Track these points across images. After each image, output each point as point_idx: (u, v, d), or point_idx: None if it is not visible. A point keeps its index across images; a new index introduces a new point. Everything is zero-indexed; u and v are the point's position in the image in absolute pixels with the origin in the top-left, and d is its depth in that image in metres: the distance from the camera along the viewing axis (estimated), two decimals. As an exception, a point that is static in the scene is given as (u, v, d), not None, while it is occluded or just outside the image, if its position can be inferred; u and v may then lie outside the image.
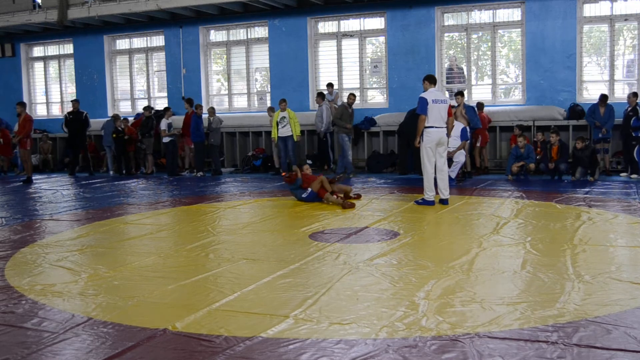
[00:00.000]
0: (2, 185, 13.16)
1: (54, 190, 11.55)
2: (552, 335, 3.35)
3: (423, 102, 8.17)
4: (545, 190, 9.81)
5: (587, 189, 9.70)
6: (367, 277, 4.68)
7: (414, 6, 13.99)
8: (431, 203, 8.30)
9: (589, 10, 13.06)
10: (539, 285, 4.36)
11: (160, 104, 16.65)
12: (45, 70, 18.56)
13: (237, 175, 13.96)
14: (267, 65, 15.63)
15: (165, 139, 14.23)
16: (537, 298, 4.04)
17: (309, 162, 13.52)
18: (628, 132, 11.47)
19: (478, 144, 12.47)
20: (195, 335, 3.49)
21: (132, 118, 15.84)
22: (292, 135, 13.29)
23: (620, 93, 12.96)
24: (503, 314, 3.73)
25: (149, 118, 14.85)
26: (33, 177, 13.65)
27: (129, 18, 16.15)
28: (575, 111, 12.59)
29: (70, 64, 18.03)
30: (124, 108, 17.38)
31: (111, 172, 15.34)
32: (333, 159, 14.01)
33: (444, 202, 8.34)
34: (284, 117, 13.30)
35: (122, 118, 14.97)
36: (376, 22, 14.75)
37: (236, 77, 16.47)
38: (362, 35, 14.84)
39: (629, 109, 11.47)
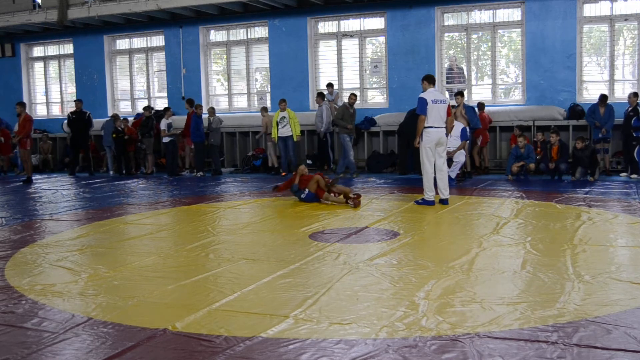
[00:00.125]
0: (2, 185, 13.16)
1: (54, 190, 11.55)
2: (552, 335, 3.34)
3: (422, 103, 8.17)
4: (545, 190, 9.81)
5: (587, 189, 9.70)
6: (367, 277, 4.68)
7: (414, 6, 13.99)
8: (431, 203, 8.30)
9: (589, 10, 13.06)
10: (539, 285, 4.36)
11: (160, 104, 16.66)
12: (45, 70, 18.56)
13: (237, 175, 13.97)
14: (267, 65, 15.63)
15: (165, 139, 14.23)
16: (537, 298, 4.04)
17: (309, 162, 13.54)
18: (629, 132, 11.47)
19: (478, 144, 12.48)
20: (195, 335, 3.49)
21: (132, 118, 15.84)
22: (292, 135, 13.30)
23: (620, 93, 12.96)
24: (503, 314, 3.73)
25: (149, 118, 14.85)
26: (33, 177, 13.65)
27: (129, 18, 16.15)
28: (575, 111, 12.59)
29: (70, 64, 18.03)
30: (124, 108, 17.38)
31: (111, 172, 15.34)
32: (333, 159, 14.01)
33: (444, 202, 8.34)
34: (284, 117, 13.30)
35: (121, 118, 14.98)
36: (376, 22, 14.75)
37: (236, 77, 16.47)
38: (362, 35, 14.84)
39: (630, 109, 11.46)
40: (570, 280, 4.43)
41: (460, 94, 11.96)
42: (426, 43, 13.99)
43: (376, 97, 15.18)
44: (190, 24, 16.02)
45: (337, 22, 15.02)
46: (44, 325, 3.75)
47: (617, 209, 7.76)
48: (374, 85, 15.20)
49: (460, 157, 10.92)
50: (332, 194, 8.66)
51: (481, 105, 12.79)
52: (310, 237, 6.31)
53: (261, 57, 15.88)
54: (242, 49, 16.03)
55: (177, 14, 15.66)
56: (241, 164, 15.25)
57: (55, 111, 18.61)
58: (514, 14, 13.63)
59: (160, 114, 14.92)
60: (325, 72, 15.26)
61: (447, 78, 14.31)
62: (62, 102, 18.47)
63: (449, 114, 8.42)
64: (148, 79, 17.26)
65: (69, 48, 17.90)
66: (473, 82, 14.17)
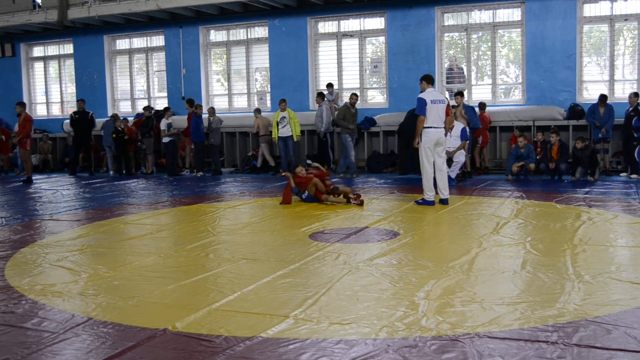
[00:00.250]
0: (2, 185, 13.16)
1: (54, 190, 11.55)
2: (552, 335, 3.34)
3: (422, 103, 8.17)
4: (545, 190, 9.81)
5: (587, 189, 9.70)
6: (367, 277, 4.68)
7: (414, 6, 13.98)
8: (431, 203, 8.30)
9: (589, 10, 13.06)
10: (539, 285, 4.36)
11: (160, 104, 16.65)
12: (45, 70, 18.56)
13: (237, 175, 13.97)
14: (267, 65, 15.63)
15: (165, 139, 14.23)
16: (537, 298, 4.04)
17: (309, 162, 13.54)
18: (629, 133, 11.46)
19: (479, 144, 12.49)
20: (195, 335, 3.49)
21: (132, 118, 15.84)
22: (292, 136, 13.30)
23: (620, 93, 12.96)
24: (503, 314, 3.73)
25: (149, 118, 14.85)
26: (33, 177, 13.66)
27: (129, 18, 16.15)
28: (575, 111, 12.59)
29: (70, 64, 18.03)
30: (124, 108, 17.38)
31: (111, 172, 15.34)
32: (333, 159, 14.01)
33: (443, 202, 8.34)
34: (284, 117, 13.30)
35: (121, 118, 14.98)
36: (376, 22, 14.75)
37: (236, 77, 16.47)
38: (362, 35, 14.84)
39: (631, 109, 11.45)
40: (570, 280, 4.43)
41: (460, 94, 11.96)
42: (426, 43, 13.99)
43: (376, 97, 15.18)
44: (190, 24, 16.02)
45: (337, 22, 15.02)
46: (44, 325, 3.75)
47: (617, 209, 7.76)
48: (374, 85, 15.20)
49: (460, 157, 10.92)
50: (332, 195, 8.65)
51: (482, 105, 12.80)
52: (310, 237, 6.31)
53: (261, 57, 15.88)
54: (242, 49, 16.03)
55: (177, 14, 15.66)
56: (241, 164, 15.26)
57: (55, 111, 18.61)
58: (514, 14, 13.62)
59: (160, 114, 14.92)
60: (325, 72, 15.26)
61: (447, 78, 14.31)
62: (62, 102, 18.47)
63: (447, 113, 8.43)
64: (148, 79, 17.26)
65: (69, 48, 17.90)
66: (473, 82, 14.17)
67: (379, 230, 6.65)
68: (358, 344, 3.31)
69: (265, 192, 10.57)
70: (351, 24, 14.98)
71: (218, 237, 6.48)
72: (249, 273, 4.90)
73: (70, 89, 18.25)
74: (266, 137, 14.07)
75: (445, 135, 8.54)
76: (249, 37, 15.95)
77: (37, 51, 18.67)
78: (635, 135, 11.33)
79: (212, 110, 14.47)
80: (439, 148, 8.34)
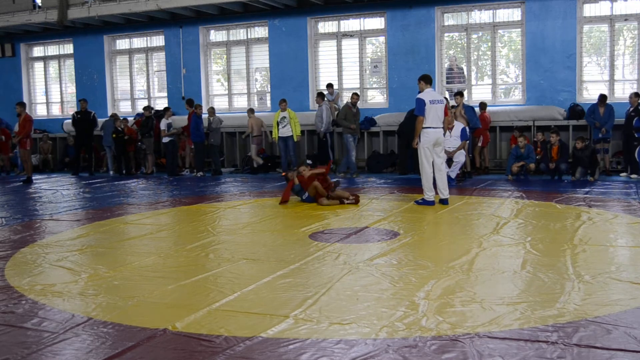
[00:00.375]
0: (2, 185, 13.16)
1: (54, 190, 11.55)
2: (552, 335, 3.34)
3: (421, 103, 8.17)
4: (545, 190, 9.81)
5: (587, 189, 9.70)
6: (367, 277, 4.68)
7: (414, 6, 13.99)
8: (431, 203, 8.30)
9: (589, 10, 13.06)
10: (539, 285, 4.36)
11: (160, 104, 16.66)
12: (45, 70, 18.56)
13: (237, 175, 13.96)
14: (267, 65, 15.63)
15: (165, 139, 14.23)
16: (537, 298, 4.04)
17: (309, 162, 13.53)
18: (630, 133, 11.45)
19: (479, 144, 12.49)
20: (195, 335, 3.49)
21: (132, 118, 15.84)
22: (292, 136, 13.30)
23: (620, 93, 12.96)
24: (503, 314, 3.73)
25: (149, 118, 14.86)
26: (33, 177, 13.66)
27: (129, 18, 16.15)
28: (575, 111, 12.59)
29: (70, 64, 18.03)
30: (124, 108, 17.38)
31: (111, 172, 15.34)
32: (333, 159, 14.00)
33: (443, 202, 8.34)
34: (284, 117, 13.31)
35: (121, 118, 14.98)
36: (376, 22, 14.75)
37: (236, 77, 16.47)
38: (362, 35, 14.84)
39: (631, 109, 11.45)
40: (570, 280, 4.43)
41: (459, 94, 11.96)
42: (426, 43, 13.99)
43: (376, 97, 15.18)
44: (190, 24, 16.02)
45: (337, 22, 15.02)
46: (44, 325, 3.75)
47: (617, 209, 7.76)
48: (374, 85, 15.20)
49: (460, 157, 10.92)
50: (326, 199, 8.62)
51: (483, 105, 12.80)
52: (310, 237, 6.31)
53: (261, 57, 15.88)
54: (242, 49, 16.03)
55: (177, 14, 15.66)
56: (241, 164, 15.26)
57: (55, 111, 18.62)
58: (514, 14, 13.62)
59: (160, 114, 14.92)
60: (325, 72, 15.26)
61: (447, 78, 14.31)
62: (62, 102, 18.48)
63: (446, 113, 8.43)
64: (148, 79, 17.26)
65: (69, 48, 17.90)
66: (473, 82, 14.17)
67: (379, 230, 6.65)
68: (358, 344, 3.31)
69: (265, 192, 10.57)
70: (351, 24, 14.98)
71: (218, 237, 6.48)
72: (249, 273, 4.90)
73: (70, 89, 18.25)
74: (259, 137, 14.12)
75: (444, 135, 8.54)
76: (249, 37, 15.95)
77: (37, 51, 18.67)
78: (636, 136, 11.32)
79: (212, 110, 14.47)
80: (437, 148, 8.34)
